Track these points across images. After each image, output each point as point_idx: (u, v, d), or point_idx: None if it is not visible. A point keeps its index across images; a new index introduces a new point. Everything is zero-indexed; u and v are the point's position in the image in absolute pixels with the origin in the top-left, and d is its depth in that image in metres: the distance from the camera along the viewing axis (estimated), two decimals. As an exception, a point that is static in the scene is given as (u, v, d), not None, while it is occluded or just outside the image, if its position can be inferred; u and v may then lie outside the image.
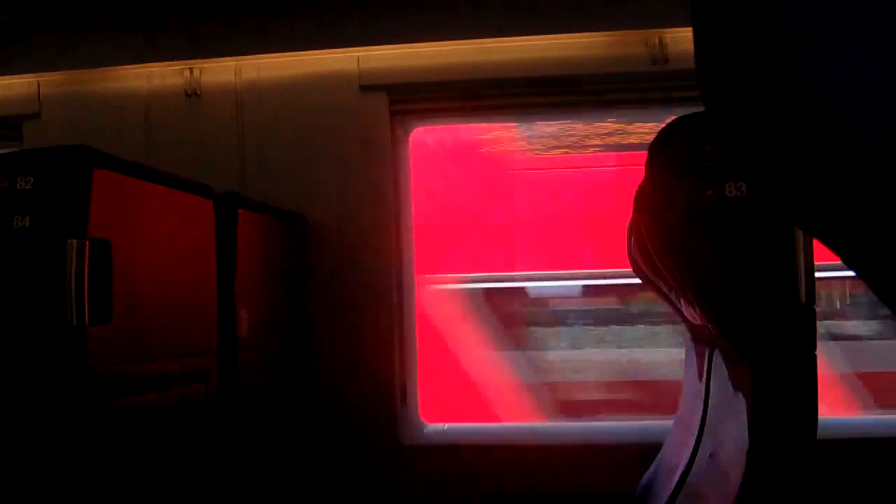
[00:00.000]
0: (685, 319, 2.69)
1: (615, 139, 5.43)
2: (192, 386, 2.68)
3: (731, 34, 0.48)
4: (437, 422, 3.93)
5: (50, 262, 2.12)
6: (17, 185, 2.15)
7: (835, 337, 5.30)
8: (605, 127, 5.34)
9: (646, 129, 4.87)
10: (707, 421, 2.39)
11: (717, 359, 2.34)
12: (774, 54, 0.46)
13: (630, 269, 2.74)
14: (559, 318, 5.82)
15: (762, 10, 0.46)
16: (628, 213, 2.52)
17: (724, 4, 0.48)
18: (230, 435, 2.88)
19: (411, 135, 3.97)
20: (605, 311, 5.75)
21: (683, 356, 2.79)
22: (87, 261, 2.13)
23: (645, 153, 2.15)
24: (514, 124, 5.43)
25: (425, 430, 3.84)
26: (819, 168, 0.47)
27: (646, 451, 2.97)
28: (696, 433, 2.42)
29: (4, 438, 2.16)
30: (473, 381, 5.49)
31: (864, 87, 0.41)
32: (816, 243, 1.88)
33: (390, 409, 3.72)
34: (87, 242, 2.14)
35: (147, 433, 2.42)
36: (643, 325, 5.63)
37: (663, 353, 5.42)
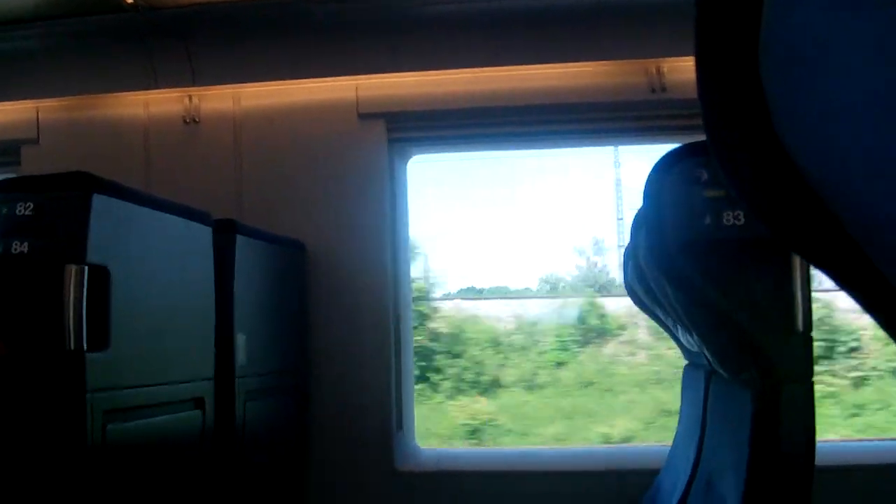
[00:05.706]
0: (682, 346, 2.69)
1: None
2: (189, 411, 2.67)
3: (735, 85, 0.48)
4: (432, 447, 3.92)
5: (49, 288, 2.12)
6: (17, 211, 2.16)
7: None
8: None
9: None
10: (704, 447, 2.38)
11: (715, 385, 2.34)
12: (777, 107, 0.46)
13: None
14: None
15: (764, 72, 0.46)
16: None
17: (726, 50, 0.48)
18: (227, 460, 2.86)
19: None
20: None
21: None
22: (85, 286, 2.14)
23: None
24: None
25: (421, 456, 3.82)
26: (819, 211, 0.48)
27: (643, 476, 2.97)
28: (693, 459, 2.42)
29: (3, 462, 2.15)
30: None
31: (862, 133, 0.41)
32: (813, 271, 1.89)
33: (386, 435, 3.71)
34: (86, 268, 2.14)
35: (143, 458, 2.41)
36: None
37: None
